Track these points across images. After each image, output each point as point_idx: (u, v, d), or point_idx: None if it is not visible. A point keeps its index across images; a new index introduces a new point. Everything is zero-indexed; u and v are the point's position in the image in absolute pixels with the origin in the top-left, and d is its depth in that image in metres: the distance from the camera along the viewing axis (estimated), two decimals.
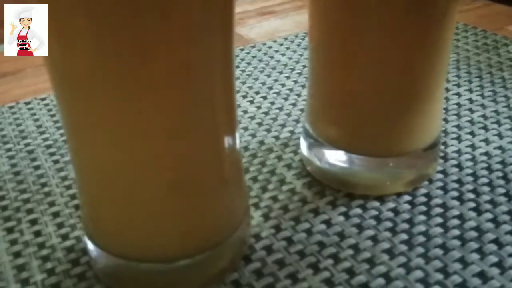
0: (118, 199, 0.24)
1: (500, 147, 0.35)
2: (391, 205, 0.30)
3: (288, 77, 0.46)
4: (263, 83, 0.45)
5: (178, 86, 0.21)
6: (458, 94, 0.42)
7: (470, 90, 0.42)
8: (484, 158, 0.34)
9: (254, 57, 0.51)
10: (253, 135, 0.38)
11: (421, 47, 0.28)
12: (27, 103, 0.44)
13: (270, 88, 0.45)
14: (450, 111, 0.40)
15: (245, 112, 0.41)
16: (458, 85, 0.43)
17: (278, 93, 0.44)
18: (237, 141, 0.26)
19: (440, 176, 0.33)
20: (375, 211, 0.30)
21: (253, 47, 0.53)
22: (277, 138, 0.38)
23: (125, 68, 0.20)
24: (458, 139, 0.36)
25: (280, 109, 0.41)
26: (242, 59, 0.50)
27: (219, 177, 0.24)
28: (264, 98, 0.43)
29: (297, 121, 0.40)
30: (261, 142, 0.37)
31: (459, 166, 0.34)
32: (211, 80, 0.22)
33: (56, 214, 0.31)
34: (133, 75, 0.20)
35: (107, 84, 0.20)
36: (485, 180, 0.32)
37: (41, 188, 0.34)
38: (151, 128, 0.21)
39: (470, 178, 0.32)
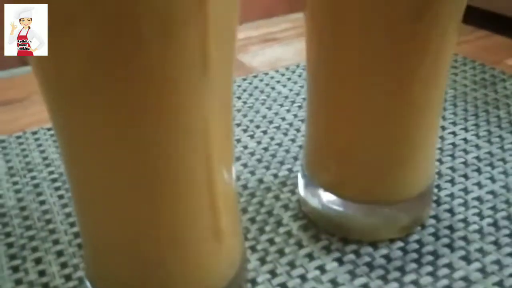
0: (118, 249, 0.25)
1: (492, 192, 0.36)
2: (384, 251, 0.31)
3: (288, 110, 0.47)
4: (264, 117, 0.47)
5: (170, 126, 0.21)
6: (454, 133, 0.43)
7: (466, 129, 0.43)
8: (476, 203, 0.35)
9: (256, 87, 0.52)
10: (252, 173, 0.39)
11: (414, 99, 0.29)
12: (33, 133, 0.45)
13: (271, 122, 0.46)
14: (445, 151, 0.41)
15: (245, 147, 0.42)
16: (454, 123, 0.44)
17: (278, 128, 0.45)
18: (235, 193, 0.27)
19: (433, 221, 0.34)
20: (368, 258, 0.31)
21: (255, 76, 0.54)
22: (275, 176, 0.39)
23: (118, 125, 0.21)
24: (452, 182, 0.37)
25: (279, 145, 0.43)
26: (244, 90, 0.52)
27: (213, 229, 0.25)
28: (264, 132, 0.44)
29: (295, 158, 0.41)
30: (260, 180, 0.38)
31: (451, 211, 0.35)
32: (208, 116, 0.22)
33: (60, 253, 0.33)
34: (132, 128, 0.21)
35: (106, 141, 0.21)
36: (475, 227, 0.33)
37: (46, 225, 0.35)
38: (151, 176, 0.22)
39: (461, 225, 0.33)
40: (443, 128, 0.44)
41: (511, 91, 0.49)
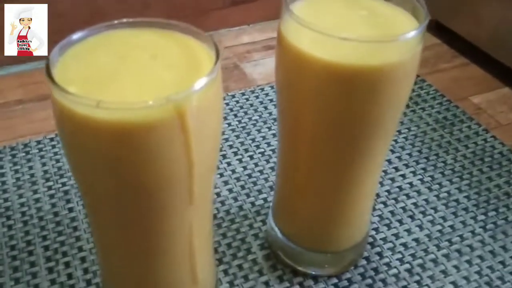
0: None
1: (417, 240, 0.46)
2: (321, 285, 0.43)
3: (274, 135, 0.57)
4: (253, 140, 0.56)
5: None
6: (403, 176, 0.53)
7: (414, 173, 0.53)
8: (402, 249, 0.46)
9: (251, 105, 0.61)
10: (236, 199, 0.50)
11: (351, 183, 0.39)
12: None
13: (258, 147, 0.55)
14: (391, 194, 0.51)
15: (233, 171, 0.53)
16: (407, 165, 0.54)
17: (262, 153, 0.55)
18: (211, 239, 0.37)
19: (364, 262, 0.44)
20: None
21: (252, 92, 0.63)
22: (253, 204, 0.49)
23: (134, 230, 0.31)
24: (388, 226, 0.48)
25: (261, 172, 0.53)
26: (241, 107, 0.61)
27: (192, 280, 0.36)
28: (251, 157, 0.54)
29: (271, 187, 0.51)
30: (240, 207, 0.49)
31: (380, 254, 0.45)
32: (192, 226, 0.33)
33: (83, 259, 0.44)
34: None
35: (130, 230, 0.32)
36: (395, 271, 0.44)
37: (73, 231, 0.46)
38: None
39: (384, 268, 0.44)
40: (396, 169, 0.53)
41: (464, 135, 0.58)
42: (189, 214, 0.31)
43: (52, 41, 0.67)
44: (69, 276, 0.43)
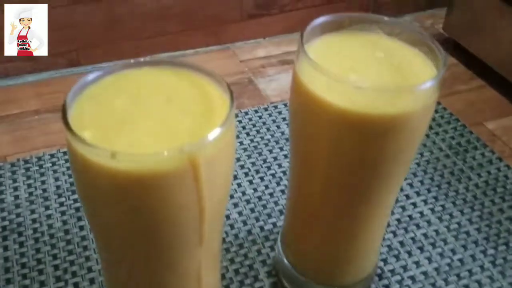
0: None
1: (425, 273, 0.46)
2: None
3: (285, 156, 0.57)
4: (264, 160, 0.56)
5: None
6: (414, 205, 0.52)
7: (425, 202, 0.53)
8: (409, 282, 0.46)
9: (264, 123, 0.61)
10: (245, 222, 0.50)
11: (362, 223, 0.39)
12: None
13: (269, 168, 0.55)
14: (401, 223, 0.51)
15: (244, 193, 0.53)
16: (418, 193, 0.54)
17: (273, 175, 0.55)
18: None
19: None
20: None
21: (265, 109, 0.63)
22: (262, 229, 0.50)
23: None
24: (397, 257, 0.48)
25: (271, 195, 0.53)
26: (254, 125, 0.61)
27: None
28: (262, 179, 0.54)
29: (281, 211, 0.51)
30: (249, 232, 0.49)
31: (387, 287, 0.45)
32: (201, 262, 0.33)
33: (92, 281, 0.44)
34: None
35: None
36: None
37: (83, 251, 0.47)
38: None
39: None
40: (407, 196, 0.53)
41: (478, 163, 0.57)
42: (198, 253, 0.31)
43: (71, 49, 0.67)
44: None
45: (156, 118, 0.29)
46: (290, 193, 0.42)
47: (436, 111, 0.64)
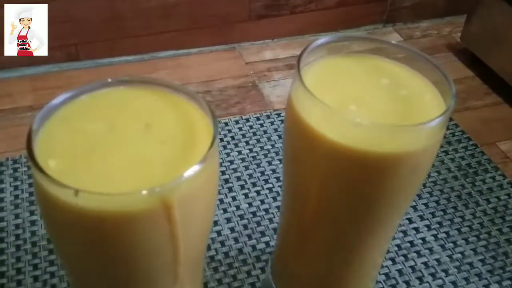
0: None
1: None
2: None
3: None
4: (262, 173, 0.54)
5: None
6: (417, 230, 0.50)
7: (429, 227, 0.50)
8: None
9: (265, 132, 0.58)
10: (236, 240, 0.48)
11: (356, 255, 0.36)
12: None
13: (266, 181, 0.53)
14: (402, 250, 0.48)
15: (238, 208, 0.50)
16: (422, 218, 0.51)
17: (270, 190, 0.52)
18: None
19: None
20: None
21: (268, 117, 0.60)
22: (254, 248, 0.47)
23: None
24: (394, 287, 0.45)
25: (266, 211, 0.50)
26: (254, 133, 0.58)
27: None
28: (258, 193, 0.52)
29: (275, 229, 0.49)
30: (240, 251, 0.47)
31: None
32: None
33: None
34: None
35: None
36: None
37: None
38: None
39: None
40: (410, 220, 0.50)
41: (487, 187, 0.54)
42: None
43: (70, 43, 0.65)
44: None
45: (131, 147, 0.26)
46: (282, 214, 0.39)
47: (448, 128, 0.61)
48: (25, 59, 0.63)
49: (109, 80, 0.28)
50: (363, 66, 0.33)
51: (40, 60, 0.63)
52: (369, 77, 0.32)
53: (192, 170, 0.24)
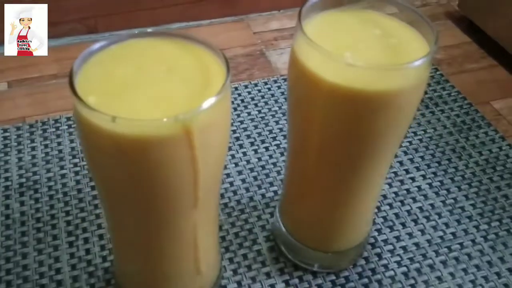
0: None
1: (417, 244, 0.48)
2: (319, 281, 0.45)
3: None
4: (270, 131, 0.58)
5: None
6: (413, 179, 0.54)
7: (424, 177, 0.54)
8: (401, 252, 0.48)
9: (272, 95, 0.63)
10: (247, 189, 0.52)
11: (355, 192, 0.41)
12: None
13: (274, 139, 0.57)
14: (399, 196, 0.52)
15: (248, 162, 0.55)
16: (418, 168, 0.55)
17: (278, 146, 0.57)
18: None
19: (363, 262, 0.47)
20: (307, 284, 0.45)
21: (275, 81, 0.65)
22: (263, 196, 0.52)
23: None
24: (391, 228, 0.50)
25: (274, 164, 0.55)
26: (262, 96, 0.63)
27: (195, 271, 0.39)
28: (267, 149, 0.56)
29: (282, 181, 0.53)
30: (251, 198, 0.51)
31: (379, 255, 0.47)
32: (197, 225, 0.36)
33: (101, 237, 0.47)
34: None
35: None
36: (392, 273, 0.46)
37: (94, 209, 0.50)
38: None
39: (382, 269, 0.46)
40: (407, 171, 0.55)
41: (480, 141, 0.58)
42: (193, 215, 0.34)
43: (89, 16, 0.69)
44: (87, 251, 0.46)
45: (156, 86, 0.31)
46: (288, 163, 0.44)
47: (444, 89, 0.65)
48: (49, 31, 0.67)
49: (136, 31, 0.33)
50: (358, 19, 0.37)
51: (62, 33, 0.68)
52: (363, 29, 0.36)
53: (209, 101, 0.28)
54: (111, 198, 0.33)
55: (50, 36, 0.67)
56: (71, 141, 0.56)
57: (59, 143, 0.55)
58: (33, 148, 0.55)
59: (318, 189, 0.42)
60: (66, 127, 0.57)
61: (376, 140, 0.36)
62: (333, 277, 0.45)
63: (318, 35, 0.34)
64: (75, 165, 0.53)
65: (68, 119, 0.58)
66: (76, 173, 0.53)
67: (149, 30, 0.33)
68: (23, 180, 0.52)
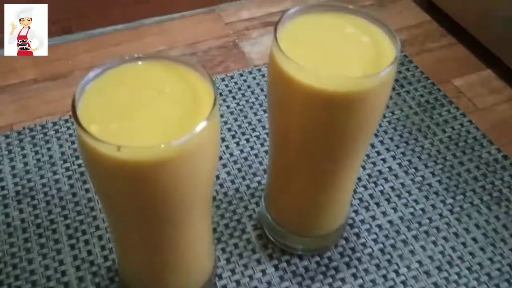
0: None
1: (390, 221, 0.53)
2: (305, 263, 0.50)
3: None
4: (249, 123, 0.62)
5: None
6: (384, 160, 0.59)
7: (394, 157, 0.59)
8: (377, 230, 0.52)
9: (249, 87, 0.66)
10: (233, 182, 0.56)
11: (333, 179, 0.45)
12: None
13: (253, 130, 0.61)
14: (372, 178, 0.57)
15: (231, 154, 0.58)
16: (388, 150, 0.60)
17: (258, 137, 0.60)
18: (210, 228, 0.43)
19: (343, 242, 0.51)
20: (294, 267, 0.49)
21: (250, 73, 0.68)
22: (248, 187, 0.56)
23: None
24: (367, 208, 0.54)
25: (256, 155, 0.59)
26: (239, 88, 0.66)
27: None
28: (247, 141, 0.60)
29: (265, 171, 0.57)
30: (237, 190, 0.55)
31: (358, 235, 0.52)
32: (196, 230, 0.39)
33: (100, 237, 0.51)
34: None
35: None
36: (369, 250, 0.51)
37: (90, 211, 0.53)
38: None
39: (361, 247, 0.51)
40: (378, 153, 0.59)
41: (443, 119, 0.63)
42: (192, 220, 0.38)
43: (63, 18, 0.70)
44: (89, 253, 0.50)
45: (150, 110, 0.34)
46: (270, 155, 0.48)
47: (408, 70, 0.69)
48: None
49: (127, 57, 0.36)
50: (328, 22, 0.40)
51: None
52: (334, 30, 0.40)
53: (200, 126, 0.32)
54: (114, 213, 0.37)
55: None
56: (60, 145, 0.58)
57: (48, 149, 0.58)
58: (24, 156, 0.57)
59: (300, 179, 0.45)
60: (53, 132, 0.59)
61: (351, 134, 0.40)
62: (318, 258, 0.50)
63: (292, 42, 0.37)
64: (67, 169, 0.56)
65: (54, 124, 0.60)
66: (69, 177, 0.55)
67: (138, 55, 0.36)
68: (19, 188, 0.54)
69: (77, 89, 0.34)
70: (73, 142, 0.59)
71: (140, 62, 0.36)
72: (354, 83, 0.36)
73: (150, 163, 0.31)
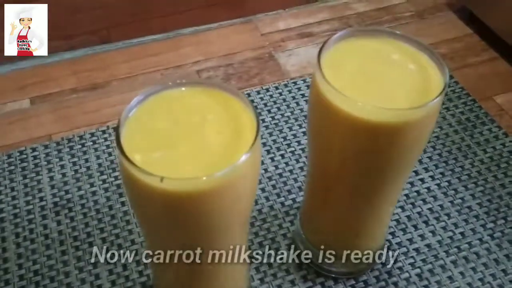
0: None
1: (428, 245, 0.52)
2: (340, 286, 0.49)
3: (304, 133, 0.62)
4: (285, 138, 0.61)
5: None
6: (422, 180, 0.57)
7: (433, 177, 0.58)
8: (414, 254, 0.51)
9: (284, 100, 0.65)
10: (267, 198, 0.56)
11: (371, 210, 0.44)
12: (115, 128, 0.61)
13: (289, 145, 0.60)
14: (410, 199, 0.56)
15: (266, 170, 0.58)
16: (426, 169, 0.58)
17: (293, 153, 0.60)
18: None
19: (379, 266, 0.50)
20: None
21: (285, 85, 0.67)
22: (283, 204, 0.55)
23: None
24: (404, 230, 0.53)
25: (291, 172, 0.58)
26: (274, 102, 0.65)
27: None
28: (282, 156, 0.59)
29: (300, 188, 0.56)
30: (271, 207, 0.55)
31: (395, 258, 0.51)
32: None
33: (135, 252, 0.51)
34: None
35: None
36: (406, 275, 0.50)
37: (126, 225, 0.53)
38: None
39: (397, 272, 0.50)
40: (416, 173, 0.58)
41: (484, 139, 0.61)
42: (234, 241, 0.37)
43: (102, 27, 0.71)
44: (124, 267, 0.50)
45: (192, 139, 0.33)
46: (308, 177, 0.47)
47: (449, 86, 0.67)
48: (64, 44, 0.70)
49: (170, 83, 0.36)
50: (373, 47, 0.39)
51: (76, 45, 0.70)
52: (380, 56, 0.39)
53: (242, 159, 0.31)
54: (153, 237, 0.37)
55: (65, 49, 0.70)
56: (97, 157, 0.59)
57: (86, 160, 0.58)
58: (62, 167, 0.58)
59: (338, 202, 0.45)
60: (91, 143, 0.60)
61: (394, 163, 0.39)
62: (353, 282, 0.49)
63: (335, 69, 0.36)
64: (104, 181, 0.56)
65: (92, 135, 0.61)
66: (106, 189, 0.56)
67: (181, 81, 0.36)
68: (57, 199, 0.55)
69: (121, 116, 0.34)
70: (110, 154, 0.59)
71: (183, 88, 0.36)
72: (400, 115, 0.35)
73: (191, 194, 0.31)
